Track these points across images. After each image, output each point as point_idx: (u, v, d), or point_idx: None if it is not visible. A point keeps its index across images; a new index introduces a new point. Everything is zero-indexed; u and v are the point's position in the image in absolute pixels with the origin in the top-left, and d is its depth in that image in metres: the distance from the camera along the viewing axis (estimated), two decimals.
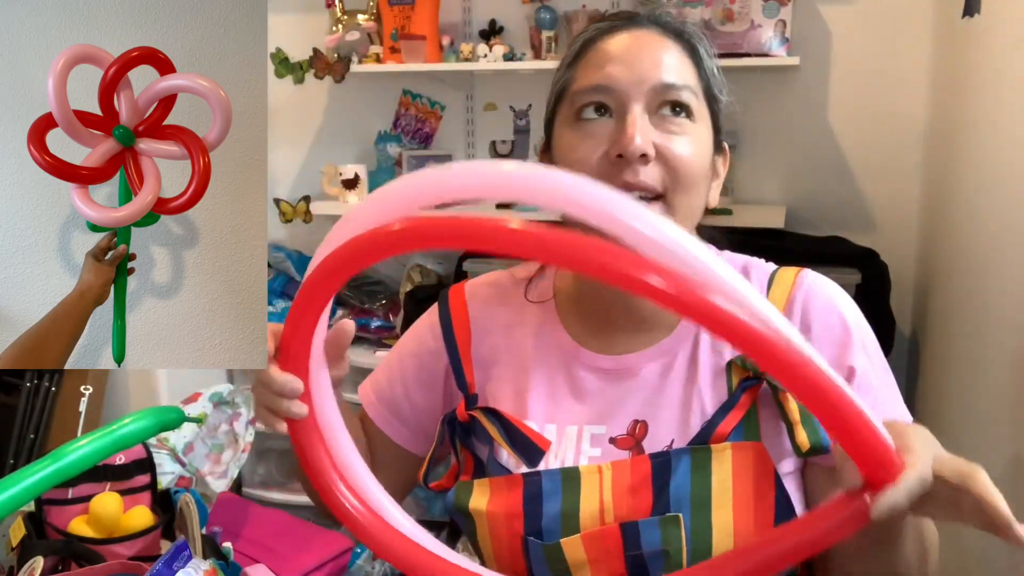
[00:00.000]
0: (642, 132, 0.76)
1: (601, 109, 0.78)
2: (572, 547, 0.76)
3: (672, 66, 0.78)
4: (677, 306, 0.50)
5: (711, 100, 0.81)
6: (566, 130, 0.81)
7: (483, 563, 0.83)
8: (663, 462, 0.76)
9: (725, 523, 0.74)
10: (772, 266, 0.86)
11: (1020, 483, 1.27)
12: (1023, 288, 1.31)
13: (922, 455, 0.57)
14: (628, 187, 0.76)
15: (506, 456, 0.82)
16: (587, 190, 0.53)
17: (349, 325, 0.73)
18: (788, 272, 0.84)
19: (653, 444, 0.79)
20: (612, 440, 0.81)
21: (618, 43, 0.80)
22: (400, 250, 0.58)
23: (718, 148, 0.84)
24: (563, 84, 0.83)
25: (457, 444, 0.88)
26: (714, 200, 0.85)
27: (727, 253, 0.88)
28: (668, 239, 0.51)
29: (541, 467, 0.80)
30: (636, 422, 0.81)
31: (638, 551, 0.74)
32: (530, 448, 0.81)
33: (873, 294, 2.04)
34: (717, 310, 0.50)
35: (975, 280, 1.61)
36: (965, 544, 1.44)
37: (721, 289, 0.51)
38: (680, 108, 0.78)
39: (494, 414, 0.84)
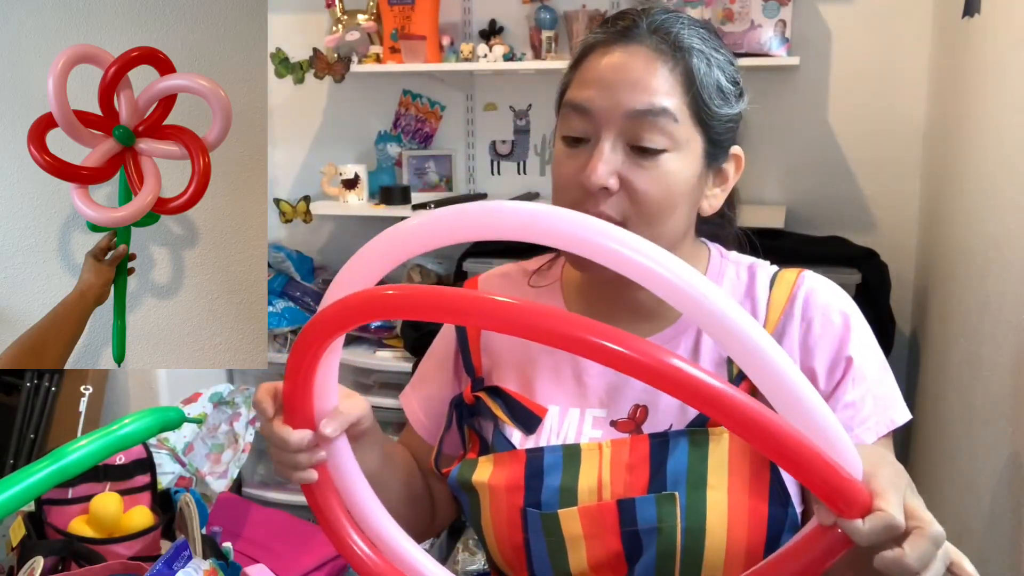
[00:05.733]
0: (606, 164, 0.77)
1: (579, 141, 0.80)
2: (569, 519, 0.79)
3: (655, 90, 0.77)
4: (631, 370, 0.52)
5: (704, 120, 0.80)
6: (558, 142, 0.83)
7: (482, 539, 0.86)
8: (662, 442, 0.79)
9: (719, 503, 0.76)
10: (775, 268, 0.89)
11: (1019, 483, 1.27)
12: (1023, 288, 1.31)
13: (892, 499, 0.56)
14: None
15: (510, 431, 0.86)
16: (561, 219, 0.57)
17: (345, 411, 0.74)
18: (790, 273, 0.86)
19: (652, 428, 0.82)
20: (613, 423, 0.84)
21: (608, 62, 0.79)
22: (391, 315, 0.60)
23: (718, 159, 0.84)
24: (563, 87, 0.85)
25: (464, 427, 0.91)
26: (712, 207, 0.86)
27: (733, 254, 0.91)
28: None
29: (544, 443, 0.84)
30: (637, 406, 0.83)
31: (634, 527, 0.77)
32: (527, 417, 0.85)
33: (873, 294, 2.04)
34: (672, 370, 0.52)
35: (975, 280, 1.61)
36: (965, 545, 1.44)
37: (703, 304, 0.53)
38: (655, 141, 0.78)
39: (496, 392, 0.88)
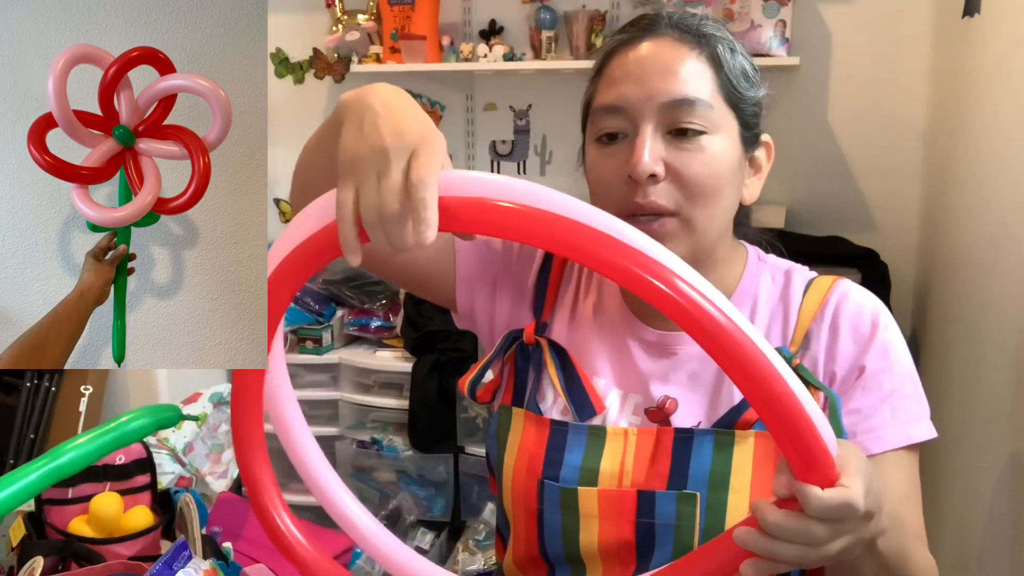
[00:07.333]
0: (651, 152, 0.76)
1: (616, 136, 0.80)
2: (587, 498, 0.79)
3: (687, 78, 0.78)
4: (627, 282, 0.52)
5: (735, 102, 0.80)
6: (591, 147, 0.83)
7: (501, 498, 0.87)
8: (686, 439, 0.79)
9: (740, 507, 0.76)
10: (813, 273, 0.88)
11: (1019, 482, 1.27)
12: (1023, 288, 1.31)
13: (859, 483, 0.56)
14: (639, 208, 0.77)
15: (550, 402, 0.85)
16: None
17: None
18: (825, 280, 0.86)
19: (680, 422, 0.82)
20: (646, 411, 0.84)
21: (635, 57, 0.80)
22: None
23: (752, 144, 0.83)
24: (588, 97, 0.85)
25: (508, 362, 0.90)
26: (752, 196, 0.85)
27: (771, 257, 0.90)
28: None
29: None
30: (667, 398, 0.83)
31: (650, 519, 0.77)
32: (584, 403, 0.83)
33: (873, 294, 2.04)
34: (675, 297, 0.51)
35: (975, 280, 1.61)
36: (966, 545, 1.44)
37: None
38: (694, 124, 0.78)
39: (559, 352, 0.86)
